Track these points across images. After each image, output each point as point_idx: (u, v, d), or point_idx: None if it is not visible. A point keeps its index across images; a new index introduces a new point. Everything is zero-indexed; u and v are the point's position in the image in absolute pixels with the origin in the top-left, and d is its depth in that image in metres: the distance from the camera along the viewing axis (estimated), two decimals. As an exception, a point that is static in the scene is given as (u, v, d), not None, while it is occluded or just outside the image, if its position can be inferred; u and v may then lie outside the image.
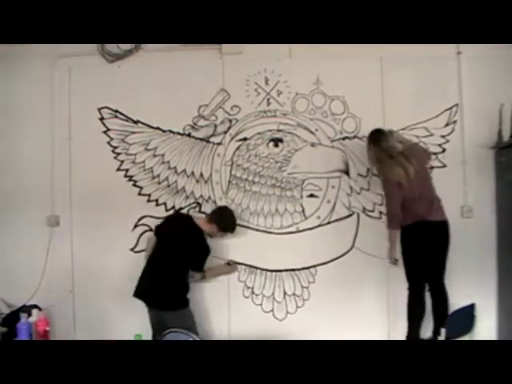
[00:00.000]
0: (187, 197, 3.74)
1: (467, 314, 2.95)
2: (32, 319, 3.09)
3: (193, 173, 3.75)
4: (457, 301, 3.36)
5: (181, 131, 3.75)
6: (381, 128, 3.40)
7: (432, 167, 3.64)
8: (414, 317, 3.30)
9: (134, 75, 3.75)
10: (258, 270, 3.68)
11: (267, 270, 3.68)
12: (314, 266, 3.66)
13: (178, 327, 3.03)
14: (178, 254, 3.36)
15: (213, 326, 3.63)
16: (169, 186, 3.75)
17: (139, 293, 3.36)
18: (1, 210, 3.71)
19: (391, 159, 3.24)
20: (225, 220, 3.54)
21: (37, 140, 3.77)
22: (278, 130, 3.71)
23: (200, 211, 3.71)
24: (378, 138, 3.33)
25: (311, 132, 3.71)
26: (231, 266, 3.65)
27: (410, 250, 3.30)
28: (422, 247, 3.26)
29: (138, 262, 3.65)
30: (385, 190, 3.37)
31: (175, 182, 3.74)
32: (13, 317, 3.36)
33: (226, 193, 3.73)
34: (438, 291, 3.27)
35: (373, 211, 3.65)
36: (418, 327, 3.28)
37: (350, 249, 3.60)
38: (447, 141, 3.66)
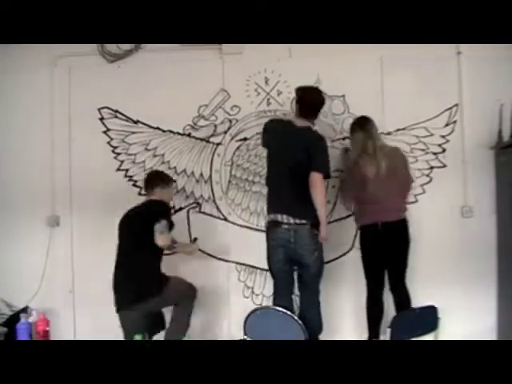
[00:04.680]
0: (187, 197, 3.74)
1: (423, 315, 2.95)
2: (32, 319, 3.09)
3: (193, 173, 3.75)
4: (457, 300, 3.37)
5: (181, 131, 3.75)
6: (366, 115, 3.43)
7: (432, 167, 3.64)
8: (372, 318, 3.30)
9: (134, 75, 3.76)
10: (258, 270, 3.68)
11: (267, 270, 3.68)
12: (314, 266, 3.66)
13: None
14: None
15: (213, 325, 3.63)
16: (169, 186, 3.74)
17: None
18: (1, 210, 3.71)
19: (371, 154, 3.25)
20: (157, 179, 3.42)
21: (37, 140, 3.77)
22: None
23: (200, 211, 3.72)
24: (364, 123, 3.36)
25: (311, 132, 3.70)
26: (195, 244, 3.49)
27: (367, 251, 3.33)
28: (379, 249, 3.28)
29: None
30: (346, 170, 3.45)
31: (175, 182, 3.74)
32: (14, 317, 3.36)
33: (226, 193, 3.73)
34: (400, 292, 3.28)
35: (373, 211, 3.65)
36: (377, 328, 3.28)
37: (350, 249, 3.59)
38: (447, 141, 3.66)
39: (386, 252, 3.28)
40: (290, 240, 3.13)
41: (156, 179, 3.40)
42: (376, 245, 3.29)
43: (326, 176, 3.19)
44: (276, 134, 3.29)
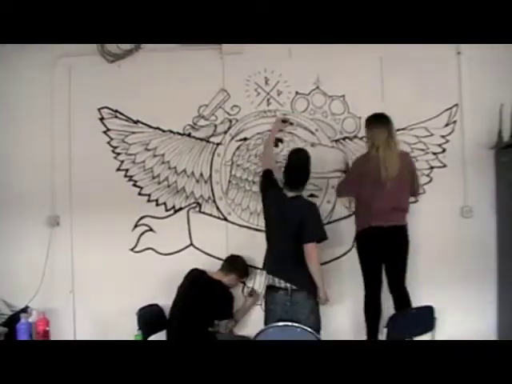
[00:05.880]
0: (187, 197, 3.74)
1: (419, 315, 2.94)
2: (32, 319, 3.09)
3: (193, 173, 3.75)
4: (457, 300, 3.38)
5: (181, 131, 3.75)
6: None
7: (432, 167, 3.64)
8: (370, 319, 3.30)
9: (134, 75, 3.75)
10: (258, 270, 3.67)
11: (267, 270, 3.68)
12: (314, 266, 3.66)
13: None
14: None
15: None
16: (169, 186, 3.75)
17: None
18: (1, 210, 3.71)
19: (386, 151, 3.20)
20: (241, 268, 3.58)
21: (37, 140, 3.77)
22: (278, 130, 3.70)
23: (200, 211, 3.72)
24: (381, 120, 3.29)
25: (311, 132, 3.71)
26: (254, 295, 3.63)
27: (364, 254, 3.33)
28: (377, 252, 3.27)
29: (138, 262, 3.67)
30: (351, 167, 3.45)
31: (175, 182, 3.74)
32: (14, 317, 3.36)
33: (226, 193, 3.73)
34: (399, 294, 3.27)
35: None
36: (376, 329, 3.27)
37: (350, 249, 3.59)
38: (447, 141, 3.66)
39: (385, 255, 3.28)
40: (286, 304, 3.17)
41: None
42: (375, 247, 3.28)
43: (321, 240, 3.24)
44: (272, 206, 3.33)
